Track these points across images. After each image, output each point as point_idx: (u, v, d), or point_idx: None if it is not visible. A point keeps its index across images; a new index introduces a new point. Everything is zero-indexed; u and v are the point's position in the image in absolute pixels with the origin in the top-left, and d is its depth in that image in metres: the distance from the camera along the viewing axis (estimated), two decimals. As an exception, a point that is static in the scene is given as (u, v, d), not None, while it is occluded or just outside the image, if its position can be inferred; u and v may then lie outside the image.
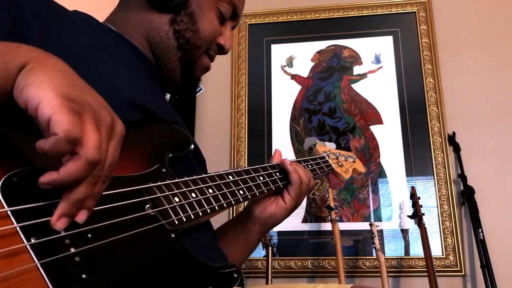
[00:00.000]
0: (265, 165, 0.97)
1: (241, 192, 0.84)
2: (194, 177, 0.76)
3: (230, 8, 0.96)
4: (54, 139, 0.43)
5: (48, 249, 0.48)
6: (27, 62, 0.48)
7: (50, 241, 0.49)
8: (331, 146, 1.33)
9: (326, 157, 1.22)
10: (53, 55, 0.52)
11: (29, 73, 0.46)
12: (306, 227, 2.29)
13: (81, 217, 0.48)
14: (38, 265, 0.47)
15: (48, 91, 0.44)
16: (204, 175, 0.78)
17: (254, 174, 0.91)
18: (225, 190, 0.80)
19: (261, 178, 0.92)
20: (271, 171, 0.97)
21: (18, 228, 0.47)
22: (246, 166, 2.40)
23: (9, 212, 0.47)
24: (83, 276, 0.50)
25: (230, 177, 0.84)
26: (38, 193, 0.50)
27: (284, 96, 2.51)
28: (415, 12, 2.53)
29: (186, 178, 0.73)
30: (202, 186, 0.75)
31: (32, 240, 0.47)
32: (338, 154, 1.29)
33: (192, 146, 0.83)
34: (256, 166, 0.94)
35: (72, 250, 0.50)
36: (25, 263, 0.45)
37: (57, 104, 0.44)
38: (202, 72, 0.98)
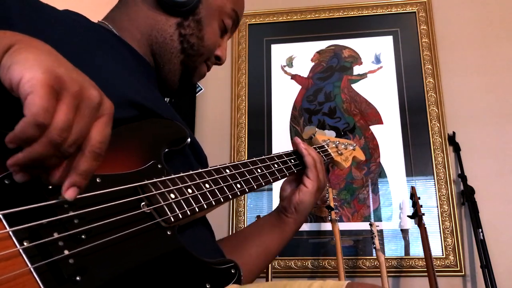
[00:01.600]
0: (264, 157, 0.96)
1: (238, 185, 0.83)
2: (191, 172, 0.74)
3: (231, 22, 0.98)
4: (22, 122, 0.42)
5: (42, 252, 0.48)
6: (12, 44, 0.48)
7: (43, 244, 0.48)
8: (331, 134, 1.31)
9: (326, 146, 1.20)
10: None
11: (15, 53, 0.46)
12: (306, 227, 2.29)
13: (70, 193, 0.48)
14: (31, 269, 0.46)
15: (33, 67, 0.44)
16: (200, 170, 0.77)
17: (252, 167, 0.90)
18: (222, 184, 0.79)
19: (258, 170, 0.91)
20: (269, 163, 0.96)
21: (10, 232, 0.46)
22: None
23: (0, 216, 0.46)
24: (77, 278, 0.50)
25: (227, 170, 0.83)
26: (31, 196, 0.50)
27: (284, 96, 2.51)
28: (415, 12, 2.53)
29: (182, 174, 0.72)
30: (198, 181, 0.74)
31: (25, 244, 0.47)
32: (337, 142, 1.26)
33: (189, 139, 0.82)
34: (254, 159, 0.93)
35: (66, 252, 0.50)
36: (18, 267, 0.45)
37: (38, 81, 0.43)
38: (198, 79, 1.01)
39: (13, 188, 0.49)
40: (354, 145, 1.34)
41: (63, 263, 0.49)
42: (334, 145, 1.25)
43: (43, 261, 0.48)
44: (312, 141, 1.25)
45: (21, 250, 0.46)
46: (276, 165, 0.97)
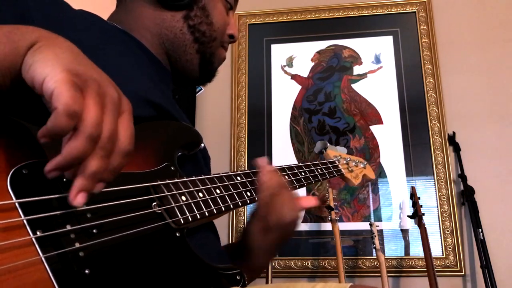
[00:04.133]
0: (280, 166, 0.96)
1: (248, 194, 0.83)
2: (203, 176, 0.75)
3: None
4: (54, 114, 0.43)
5: (53, 243, 0.48)
6: (35, 41, 0.49)
7: (56, 235, 0.49)
8: (342, 150, 1.32)
9: (337, 161, 1.21)
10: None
11: (37, 51, 0.47)
12: (306, 227, 2.29)
13: (98, 187, 0.48)
14: (43, 258, 0.46)
15: (54, 66, 0.45)
16: (212, 175, 0.78)
17: None
18: (233, 191, 0.80)
19: None
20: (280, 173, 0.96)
21: (25, 221, 0.47)
22: (246, 166, 2.40)
23: (17, 204, 0.47)
24: (86, 271, 0.50)
25: (239, 178, 0.83)
26: (47, 186, 0.50)
27: (284, 96, 2.51)
28: (415, 12, 2.54)
29: (194, 178, 0.73)
30: (210, 186, 0.75)
31: (38, 233, 0.47)
32: (348, 159, 1.27)
33: (202, 145, 0.83)
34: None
35: (77, 245, 0.50)
36: (29, 255, 0.45)
37: (61, 78, 0.44)
38: (220, 63, 1.01)
39: (30, 179, 0.49)
40: (365, 163, 1.35)
41: (74, 255, 0.50)
42: (345, 162, 1.25)
43: (54, 252, 0.48)
44: (323, 156, 1.26)
45: (34, 239, 0.46)
46: (285, 177, 0.97)
